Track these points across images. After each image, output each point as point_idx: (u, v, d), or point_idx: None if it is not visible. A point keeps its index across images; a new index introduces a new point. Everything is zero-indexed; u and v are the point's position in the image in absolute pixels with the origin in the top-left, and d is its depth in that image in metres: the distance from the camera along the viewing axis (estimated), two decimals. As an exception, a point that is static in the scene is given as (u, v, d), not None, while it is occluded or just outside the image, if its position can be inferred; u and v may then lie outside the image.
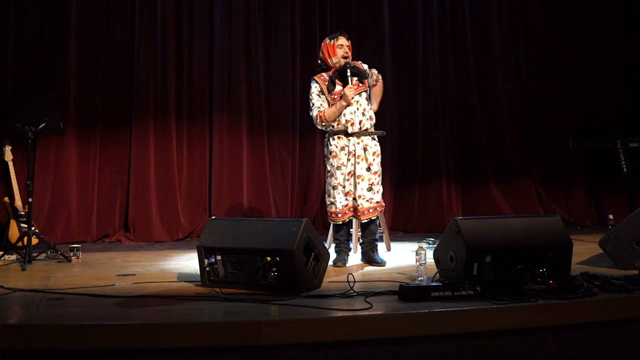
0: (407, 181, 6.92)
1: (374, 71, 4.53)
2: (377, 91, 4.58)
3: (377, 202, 4.38)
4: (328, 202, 4.42)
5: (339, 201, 4.34)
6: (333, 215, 4.38)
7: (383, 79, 4.65)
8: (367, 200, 4.34)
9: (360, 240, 4.55)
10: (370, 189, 4.35)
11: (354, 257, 4.63)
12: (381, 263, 4.39)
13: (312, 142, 6.64)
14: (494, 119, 7.14)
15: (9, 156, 5.39)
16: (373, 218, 4.39)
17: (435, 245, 3.77)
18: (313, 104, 4.41)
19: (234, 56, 6.48)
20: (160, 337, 2.58)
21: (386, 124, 6.37)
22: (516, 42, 7.25)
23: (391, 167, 6.77)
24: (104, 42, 6.19)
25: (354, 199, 4.36)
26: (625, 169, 6.55)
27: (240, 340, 2.60)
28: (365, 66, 4.49)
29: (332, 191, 4.36)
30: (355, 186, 4.35)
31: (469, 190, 7.07)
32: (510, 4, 7.26)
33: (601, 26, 7.27)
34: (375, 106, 4.55)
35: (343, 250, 4.45)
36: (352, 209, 4.37)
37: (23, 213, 5.26)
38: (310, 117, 4.47)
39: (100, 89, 6.18)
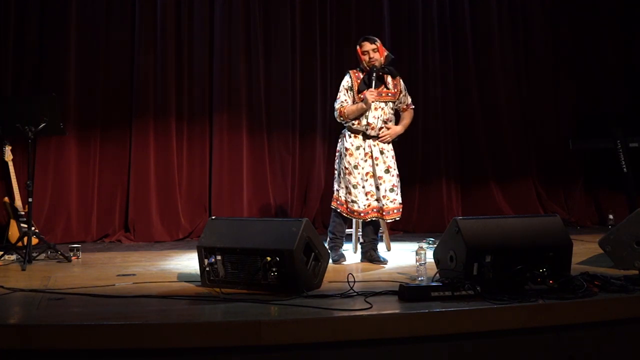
0: (407, 181, 6.89)
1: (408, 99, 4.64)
2: (406, 115, 4.65)
3: (400, 204, 4.46)
4: (349, 200, 4.38)
5: (361, 200, 4.36)
6: (356, 213, 4.38)
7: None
8: (391, 201, 4.40)
9: (361, 240, 4.55)
10: (392, 190, 4.41)
11: (354, 257, 4.63)
12: (383, 262, 4.42)
13: (312, 142, 6.64)
14: (494, 119, 7.14)
15: (9, 156, 5.39)
16: (397, 218, 4.46)
17: (435, 245, 3.77)
18: (339, 97, 4.48)
19: (234, 56, 6.48)
20: (160, 337, 2.58)
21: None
22: (516, 42, 7.24)
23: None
24: (104, 42, 6.18)
25: (377, 199, 4.39)
26: (625, 169, 6.55)
27: (240, 340, 2.60)
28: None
29: (352, 190, 4.37)
30: (377, 187, 4.39)
31: (469, 190, 7.07)
32: (510, 4, 7.25)
33: (601, 26, 7.27)
34: (400, 128, 4.56)
35: (337, 246, 4.47)
36: (375, 210, 4.39)
37: (23, 213, 5.26)
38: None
39: (100, 89, 6.17)
